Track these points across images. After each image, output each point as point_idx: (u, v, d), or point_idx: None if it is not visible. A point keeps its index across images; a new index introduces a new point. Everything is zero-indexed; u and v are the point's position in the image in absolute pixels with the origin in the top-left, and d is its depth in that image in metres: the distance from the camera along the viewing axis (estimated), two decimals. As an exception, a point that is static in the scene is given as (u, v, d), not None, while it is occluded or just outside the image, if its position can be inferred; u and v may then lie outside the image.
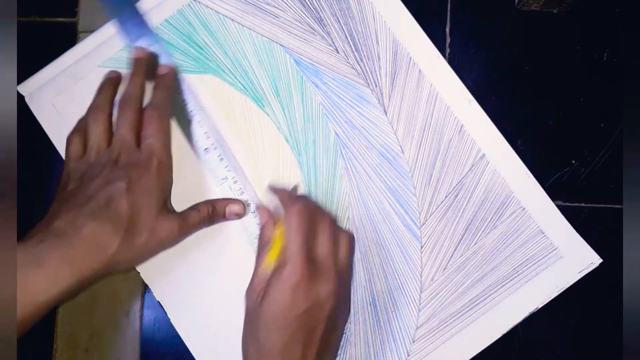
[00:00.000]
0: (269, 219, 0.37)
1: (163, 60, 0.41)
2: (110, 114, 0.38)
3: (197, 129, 0.40)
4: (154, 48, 0.41)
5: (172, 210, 0.37)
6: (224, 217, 0.39)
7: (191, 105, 0.40)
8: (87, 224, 0.32)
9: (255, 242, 0.38)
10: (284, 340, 0.32)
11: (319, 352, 0.33)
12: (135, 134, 0.36)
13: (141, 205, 0.34)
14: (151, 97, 0.38)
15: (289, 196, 0.37)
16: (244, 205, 0.39)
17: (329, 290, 0.33)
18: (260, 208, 0.38)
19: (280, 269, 0.33)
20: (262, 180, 0.40)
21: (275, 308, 0.32)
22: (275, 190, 0.39)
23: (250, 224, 0.39)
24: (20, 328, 0.31)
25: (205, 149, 0.40)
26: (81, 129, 0.38)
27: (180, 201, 0.38)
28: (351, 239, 0.36)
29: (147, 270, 0.39)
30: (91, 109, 0.38)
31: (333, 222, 0.35)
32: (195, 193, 0.39)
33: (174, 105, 0.40)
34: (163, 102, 0.38)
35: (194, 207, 0.38)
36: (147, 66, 0.39)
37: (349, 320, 0.39)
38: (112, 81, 0.40)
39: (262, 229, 0.37)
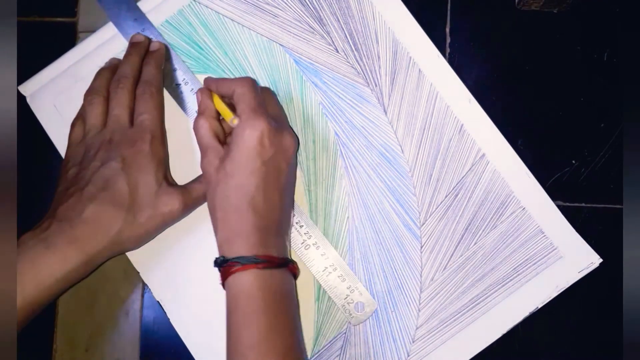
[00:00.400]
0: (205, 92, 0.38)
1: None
2: (107, 97, 0.38)
3: (191, 96, 0.40)
4: (145, 32, 0.41)
5: (174, 184, 0.37)
6: None
7: (182, 73, 0.41)
8: (88, 207, 0.34)
9: None
10: (254, 185, 0.33)
11: (285, 198, 0.35)
12: (129, 112, 0.37)
13: (138, 182, 0.35)
14: (142, 74, 0.38)
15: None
16: None
17: (291, 139, 0.35)
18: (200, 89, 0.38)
19: (243, 125, 0.34)
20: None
21: (244, 156, 0.33)
22: (215, 79, 0.38)
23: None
24: (31, 310, 0.33)
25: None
26: (82, 115, 0.38)
27: (186, 174, 0.39)
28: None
29: (147, 270, 0.39)
30: (88, 93, 0.39)
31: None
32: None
33: (165, 76, 0.40)
34: (153, 78, 0.38)
35: (197, 179, 0.38)
36: (144, 50, 0.40)
37: (348, 320, 0.39)
38: (110, 67, 0.40)
39: (201, 100, 0.37)
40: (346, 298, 0.39)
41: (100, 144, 0.36)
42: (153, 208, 0.35)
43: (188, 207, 0.37)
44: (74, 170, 0.36)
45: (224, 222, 0.34)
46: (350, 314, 0.39)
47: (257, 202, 0.33)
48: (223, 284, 0.34)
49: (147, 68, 0.38)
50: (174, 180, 0.38)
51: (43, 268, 0.32)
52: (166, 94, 0.40)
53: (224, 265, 0.33)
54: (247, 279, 0.32)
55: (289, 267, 0.35)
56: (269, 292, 0.32)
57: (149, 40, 0.40)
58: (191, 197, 0.37)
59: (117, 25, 0.41)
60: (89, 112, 0.37)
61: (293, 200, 0.38)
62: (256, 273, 0.32)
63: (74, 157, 0.37)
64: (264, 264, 0.33)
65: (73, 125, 0.38)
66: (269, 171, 0.34)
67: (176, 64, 0.41)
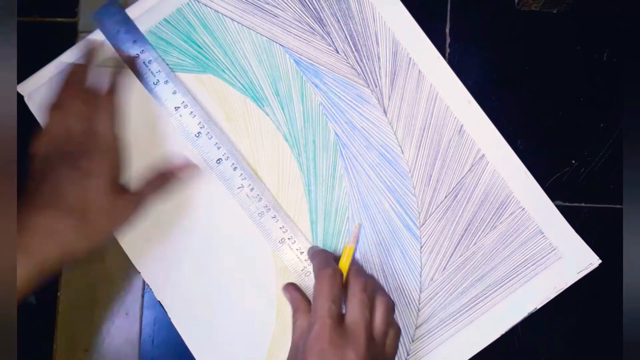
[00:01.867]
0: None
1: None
2: (67, 108, 0.37)
3: (207, 140, 0.40)
4: (144, 54, 0.41)
5: (125, 189, 0.37)
6: (174, 175, 0.39)
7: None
8: (40, 214, 0.33)
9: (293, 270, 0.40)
10: None
11: None
12: (83, 122, 0.36)
13: (91, 190, 0.34)
14: (106, 82, 0.38)
15: (323, 260, 0.36)
16: (192, 164, 0.40)
17: (357, 356, 0.32)
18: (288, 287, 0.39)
19: (308, 332, 0.33)
20: (262, 179, 0.40)
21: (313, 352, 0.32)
22: (314, 253, 0.38)
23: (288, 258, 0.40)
24: None
25: (218, 159, 0.40)
26: (45, 128, 0.37)
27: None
28: (389, 303, 0.35)
29: (147, 270, 0.39)
30: (49, 106, 0.38)
31: (369, 285, 0.35)
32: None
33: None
34: (112, 85, 0.38)
35: (145, 182, 0.38)
36: (95, 55, 0.39)
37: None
38: (73, 74, 0.38)
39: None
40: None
41: (59, 156, 0.35)
42: (105, 213, 0.35)
43: (139, 207, 0.36)
44: (33, 183, 0.35)
45: None
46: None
47: None
48: None
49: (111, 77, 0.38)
50: (127, 185, 0.37)
51: None
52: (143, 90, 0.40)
53: None
54: None
55: None
56: None
57: (100, 43, 0.40)
58: (141, 195, 0.37)
59: (116, 47, 0.41)
60: (49, 125, 0.37)
61: None
62: None
63: (33, 172, 0.36)
64: None
65: (34, 139, 0.37)
66: None
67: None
